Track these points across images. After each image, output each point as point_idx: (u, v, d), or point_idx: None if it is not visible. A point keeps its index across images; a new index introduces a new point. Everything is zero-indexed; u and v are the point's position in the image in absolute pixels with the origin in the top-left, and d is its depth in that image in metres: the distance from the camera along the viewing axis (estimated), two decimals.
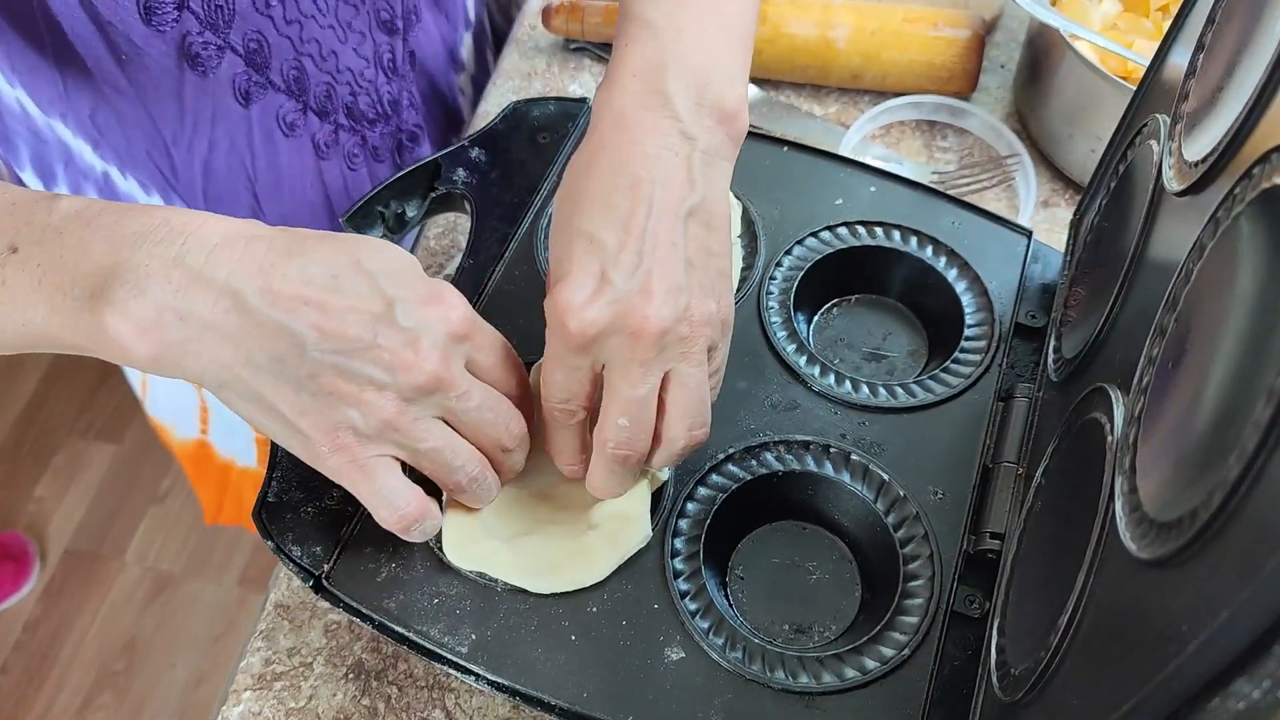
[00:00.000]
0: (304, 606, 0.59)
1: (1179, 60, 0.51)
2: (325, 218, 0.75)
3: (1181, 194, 0.41)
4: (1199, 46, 0.45)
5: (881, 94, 0.76)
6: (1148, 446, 0.35)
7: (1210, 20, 0.45)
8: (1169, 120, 0.46)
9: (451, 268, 0.71)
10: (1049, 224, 0.70)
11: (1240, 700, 0.24)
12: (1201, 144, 0.41)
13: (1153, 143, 0.48)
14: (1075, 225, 0.59)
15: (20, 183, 0.61)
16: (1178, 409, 0.34)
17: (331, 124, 0.71)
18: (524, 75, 0.81)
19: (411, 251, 0.74)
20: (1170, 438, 0.33)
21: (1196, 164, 0.40)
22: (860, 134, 0.72)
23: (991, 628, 0.47)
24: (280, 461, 0.53)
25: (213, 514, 1.22)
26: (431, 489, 0.48)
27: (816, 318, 0.62)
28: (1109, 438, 0.39)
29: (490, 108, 0.79)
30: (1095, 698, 0.34)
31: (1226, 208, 0.35)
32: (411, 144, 0.79)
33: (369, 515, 0.52)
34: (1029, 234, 0.62)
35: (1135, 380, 0.38)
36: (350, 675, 0.57)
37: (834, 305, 0.63)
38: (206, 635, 1.69)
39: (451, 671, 0.49)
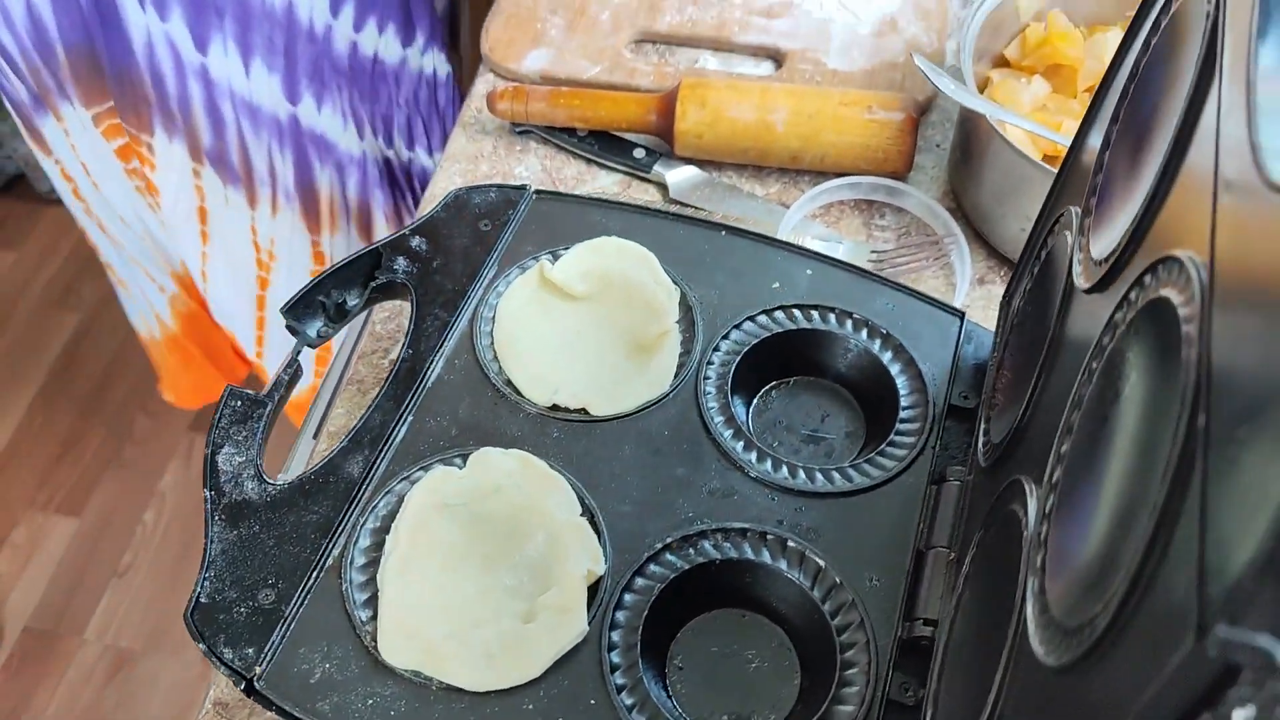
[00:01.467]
0: (243, 704, 0.59)
1: (1094, 151, 0.52)
2: None
3: (1089, 290, 0.42)
4: (1105, 142, 0.47)
5: (821, 174, 0.78)
6: (1056, 546, 0.36)
7: (1114, 117, 0.46)
8: (1080, 213, 0.47)
9: (397, 352, 0.72)
10: (985, 301, 0.71)
11: None
12: (1106, 241, 0.42)
13: (1067, 234, 0.49)
14: (1005, 306, 0.60)
15: None
16: (1080, 511, 0.34)
17: None
18: (471, 158, 0.82)
19: (358, 337, 0.75)
20: (1074, 540, 0.34)
21: (1101, 262, 0.41)
22: (800, 214, 0.73)
23: (925, 717, 0.47)
24: (214, 561, 0.53)
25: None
26: None
27: (755, 400, 0.63)
28: (1025, 533, 0.40)
29: (438, 190, 0.80)
30: None
31: (1123, 312, 0.36)
32: None
33: (303, 614, 0.52)
34: (962, 315, 0.63)
35: (1046, 476, 0.39)
36: None
37: (773, 388, 0.63)
38: (165, 715, 1.66)
39: None
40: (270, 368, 1.16)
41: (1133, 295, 0.35)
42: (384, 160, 1.04)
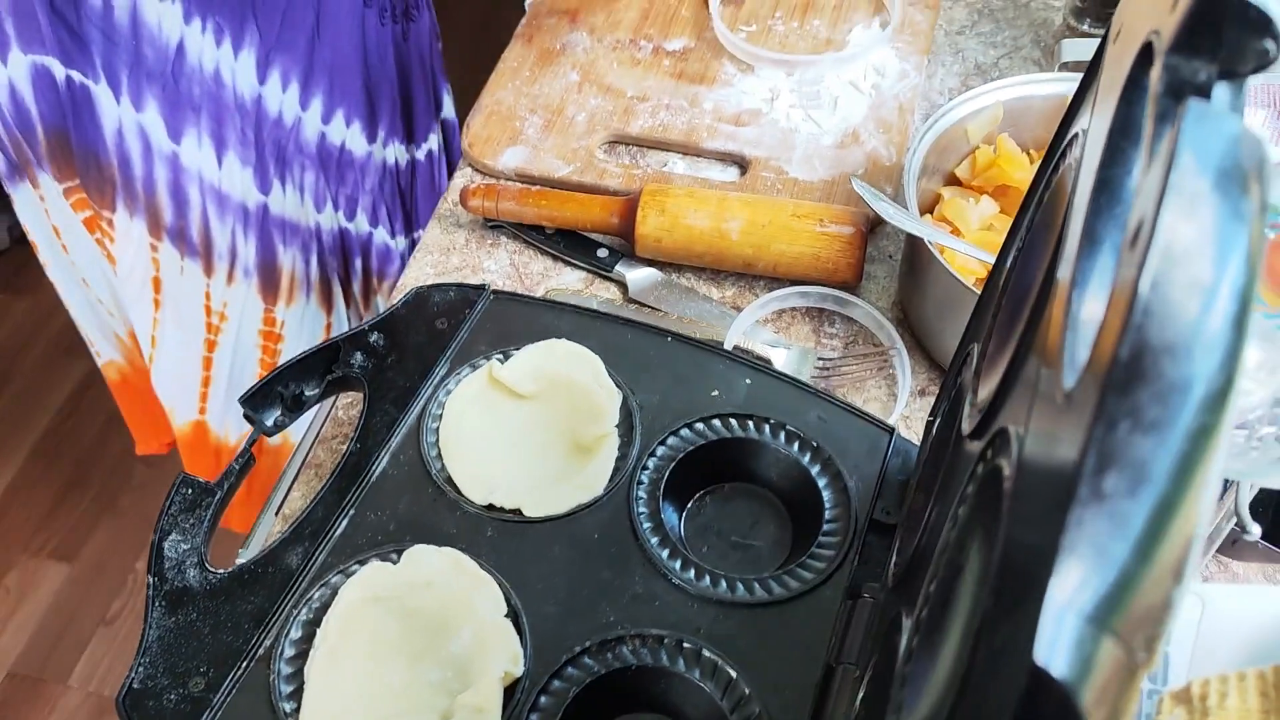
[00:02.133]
0: None
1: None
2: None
3: (969, 435, 0.44)
4: (1001, 288, 0.49)
5: (776, 279, 0.80)
6: (911, 687, 0.38)
7: (1014, 264, 0.49)
8: (978, 353, 0.50)
9: None
10: (924, 412, 0.73)
11: None
12: (987, 389, 0.44)
13: (968, 375, 0.51)
14: (929, 426, 0.63)
15: None
16: (928, 657, 0.36)
17: None
18: (443, 250, 0.85)
19: (324, 424, 0.78)
20: (920, 685, 0.36)
21: (980, 409, 0.43)
22: (750, 320, 0.76)
23: None
24: (149, 647, 0.55)
25: None
26: None
27: (690, 504, 0.65)
28: (896, 668, 0.42)
29: (409, 280, 0.83)
30: None
31: (981, 466, 0.38)
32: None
33: (230, 703, 0.54)
34: (892, 431, 0.65)
35: (915, 613, 0.41)
36: None
37: (708, 492, 0.65)
38: None
39: None
40: (214, 424, 1.20)
41: (988, 453, 0.38)
42: (339, 231, 1.09)
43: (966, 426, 0.45)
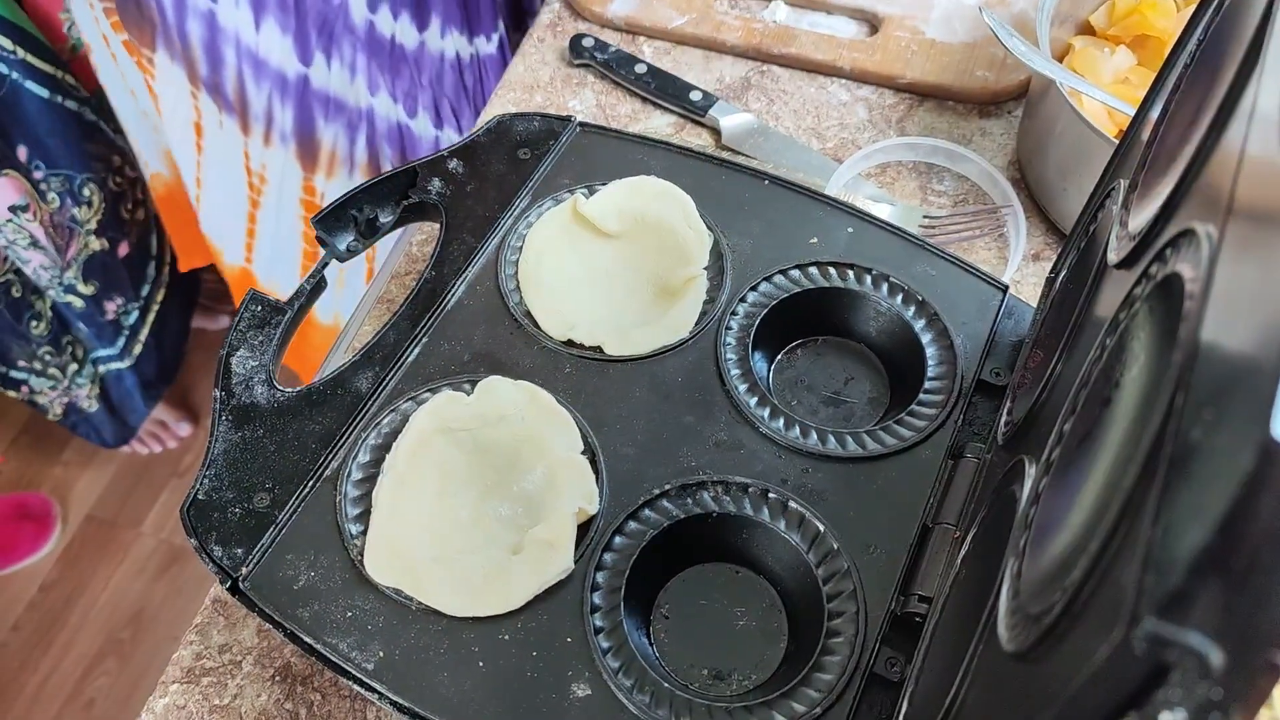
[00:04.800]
0: (240, 605, 0.60)
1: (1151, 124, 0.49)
2: None
3: (1118, 265, 0.39)
4: (1164, 113, 0.43)
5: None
6: (1039, 528, 0.34)
7: (1176, 87, 0.43)
8: (1126, 186, 0.44)
9: None
10: (1037, 278, 0.68)
11: None
12: (1143, 215, 0.39)
13: (1113, 208, 0.46)
14: (1049, 283, 0.57)
15: None
16: (1066, 493, 0.32)
17: None
18: (527, 87, 0.81)
19: (392, 256, 0.75)
20: (1055, 523, 0.32)
21: (1134, 235, 0.38)
22: (852, 171, 0.71)
23: (904, 696, 0.46)
24: (215, 460, 0.53)
25: None
26: None
27: (779, 357, 0.61)
28: (1016, 513, 0.38)
29: (491, 115, 0.79)
30: None
31: (1141, 286, 0.34)
32: None
33: (295, 521, 0.52)
34: (1005, 289, 0.60)
35: (1044, 455, 0.37)
36: (277, 678, 0.57)
37: (798, 345, 0.61)
38: None
39: (356, 688, 0.48)
40: (260, 276, 1.18)
41: (1153, 269, 0.33)
42: (398, 125, 1.03)
43: (1115, 257, 0.40)
